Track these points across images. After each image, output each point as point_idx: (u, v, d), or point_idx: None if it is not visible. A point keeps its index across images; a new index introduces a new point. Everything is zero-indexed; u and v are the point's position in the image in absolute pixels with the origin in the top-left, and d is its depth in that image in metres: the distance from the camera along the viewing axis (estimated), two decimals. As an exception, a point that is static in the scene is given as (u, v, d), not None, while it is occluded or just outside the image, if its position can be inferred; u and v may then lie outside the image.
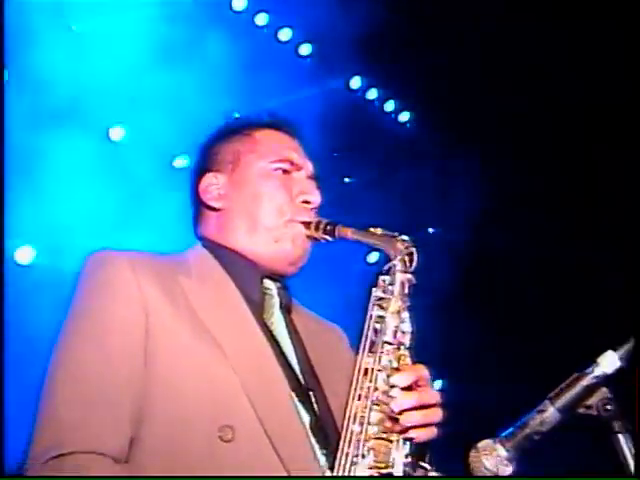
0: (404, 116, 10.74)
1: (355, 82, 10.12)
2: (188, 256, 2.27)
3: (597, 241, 10.17)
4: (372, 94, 10.34)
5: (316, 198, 2.31)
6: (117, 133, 7.80)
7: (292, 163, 2.34)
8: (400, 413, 1.90)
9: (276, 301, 2.26)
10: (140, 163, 7.77)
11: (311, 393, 2.12)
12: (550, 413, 1.85)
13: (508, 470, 1.84)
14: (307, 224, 2.24)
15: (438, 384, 11.12)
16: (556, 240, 10.44)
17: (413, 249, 2.07)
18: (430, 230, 11.72)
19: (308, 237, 2.25)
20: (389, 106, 10.58)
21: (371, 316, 2.04)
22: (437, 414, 1.96)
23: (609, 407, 1.82)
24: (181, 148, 8.03)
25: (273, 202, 2.26)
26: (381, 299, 2.04)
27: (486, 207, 10.54)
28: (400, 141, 10.72)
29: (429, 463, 1.95)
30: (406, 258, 2.06)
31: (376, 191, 10.59)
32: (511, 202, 10.38)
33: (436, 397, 1.97)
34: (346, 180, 10.30)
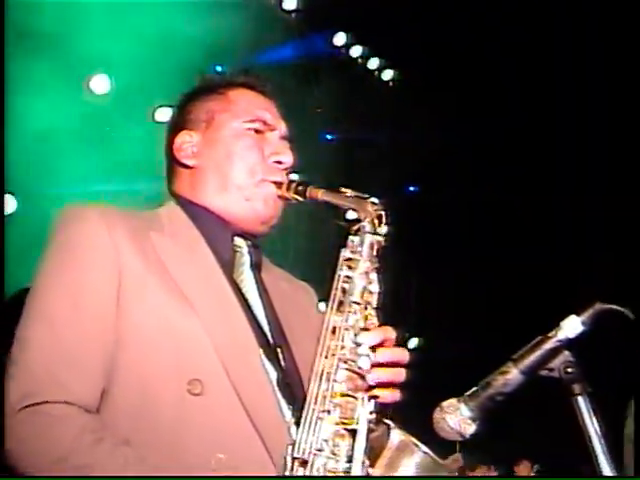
0: (387, 74, 10.75)
1: (339, 38, 10.08)
2: (161, 212, 2.28)
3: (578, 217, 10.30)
4: (356, 51, 10.32)
5: (288, 158, 2.31)
6: (99, 83, 7.78)
7: (265, 123, 2.33)
8: (366, 371, 1.93)
9: (246, 259, 2.27)
10: (121, 114, 7.76)
11: (278, 350, 2.15)
12: (513, 375, 1.89)
13: (471, 429, 1.88)
14: (279, 184, 2.25)
15: (414, 342, 11.26)
16: (534, 206, 10.52)
17: (383, 211, 2.09)
18: (411, 188, 11.78)
19: (279, 197, 2.26)
20: (373, 63, 10.57)
21: (339, 276, 2.06)
22: (401, 374, 1.99)
23: (570, 370, 1.86)
24: (163, 100, 8.03)
25: (245, 161, 2.27)
26: (350, 259, 2.06)
27: (466, 166, 10.58)
28: (383, 99, 10.72)
29: (391, 419, 1.98)
30: (376, 220, 2.07)
31: (357, 148, 10.62)
32: (493, 160, 10.42)
33: (401, 358, 2.00)
34: (328, 137, 10.32)
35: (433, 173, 10.75)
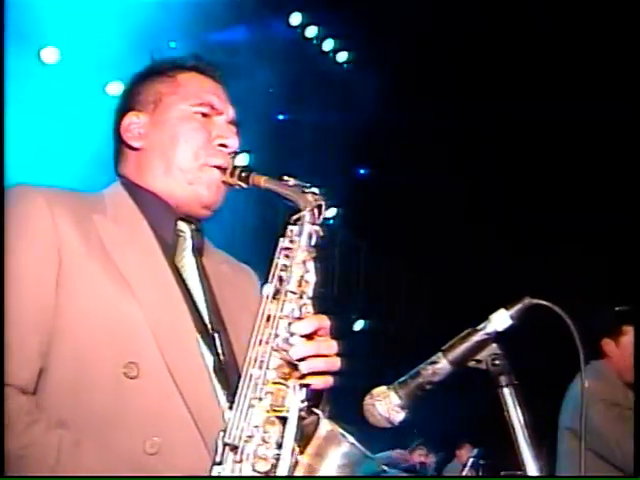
0: (342, 56, 10.75)
1: (295, 18, 10.05)
2: (105, 194, 2.28)
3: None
4: (311, 32, 10.31)
5: (233, 142, 2.32)
6: (50, 54, 7.69)
7: (213, 107, 2.34)
8: (298, 360, 1.95)
9: (189, 244, 2.29)
10: (72, 87, 7.68)
11: (216, 335, 2.17)
12: (442, 365, 1.94)
13: (399, 416, 1.93)
14: (223, 169, 2.26)
15: (360, 324, 11.34)
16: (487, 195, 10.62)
17: (322, 202, 2.10)
18: (361, 171, 11.83)
19: (223, 182, 2.27)
20: (328, 45, 10.57)
21: (277, 264, 2.08)
22: (335, 363, 2.02)
23: (497, 362, 1.92)
24: (115, 73, 7.97)
25: (189, 144, 2.27)
26: (288, 249, 2.08)
27: (417, 149, 10.63)
28: (336, 81, 10.73)
29: (322, 410, 2.01)
30: (315, 210, 2.09)
31: (309, 129, 10.62)
32: (444, 143, 10.47)
33: (334, 347, 2.03)
34: (280, 117, 10.32)
35: (384, 156, 10.80)
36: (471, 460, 8.84)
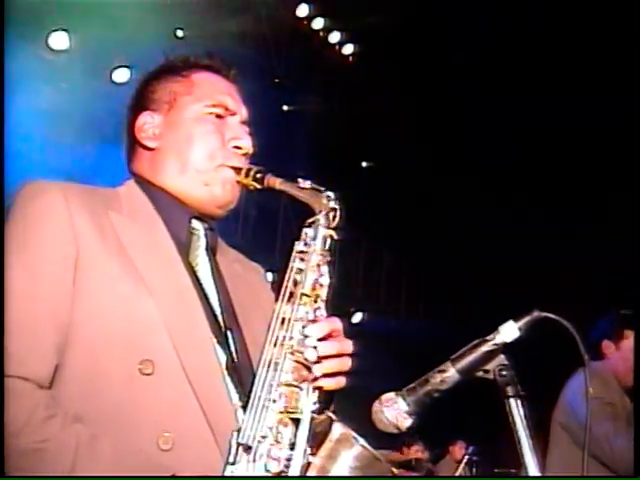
0: (348, 48, 10.76)
1: (302, 10, 10.06)
2: (120, 191, 2.30)
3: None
4: (318, 23, 10.31)
5: (248, 144, 2.34)
6: (59, 40, 7.68)
7: (226, 108, 2.36)
8: (312, 363, 1.99)
9: (203, 242, 2.31)
10: (79, 73, 7.69)
11: (229, 333, 2.19)
12: (451, 373, 1.98)
13: (407, 423, 1.97)
14: (237, 170, 2.28)
15: (358, 317, 11.37)
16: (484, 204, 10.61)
17: (337, 206, 2.12)
18: (364, 164, 11.83)
19: (238, 183, 2.29)
20: (334, 37, 10.57)
21: (292, 268, 2.11)
22: (346, 363, 2.05)
23: (505, 373, 1.95)
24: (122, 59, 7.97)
25: (205, 146, 2.30)
26: (303, 252, 2.11)
27: (422, 142, 10.63)
28: (342, 73, 10.73)
29: (334, 411, 2.05)
30: (330, 214, 2.12)
31: (313, 120, 10.62)
32: (450, 138, 10.47)
33: (347, 348, 2.06)
34: (285, 108, 10.32)
35: (388, 148, 10.80)
36: (466, 457, 8.89)
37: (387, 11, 9.33)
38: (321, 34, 10.29)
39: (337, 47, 10.53)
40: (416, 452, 9.89)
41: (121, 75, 8.13)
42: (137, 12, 7.60)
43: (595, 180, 9.38)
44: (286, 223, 9.43)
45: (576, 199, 9.85)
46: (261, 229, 9.16)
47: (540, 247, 10.42)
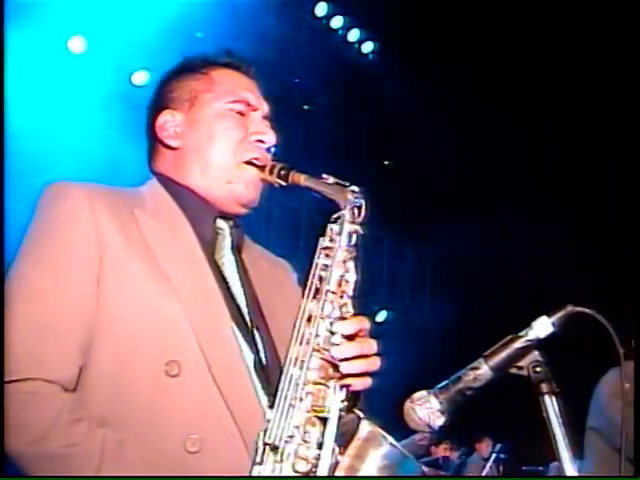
0: (367, 46, 10.73)
1: (320, 9, 10.04)
2: (143, 191, 2.29)
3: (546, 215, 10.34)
4: (337, 22, 10.29)
5: (270, 137, 2.32)
6: (77, 44, 7.69)
7: (248, 104, 2.34)
8: (340, 360, 1.95)
9: (228, 241, 2.28)
10: (99, 76, 7.70)
11: (256, 333, 2.16)
12: (483, 371, 1.94)
13: (440, 421, 1.93)
14: (261, 167, 2.26)
15: (383, 315, 11.33)
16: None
17: (362, 201, 2.09)
18: (385, 162, 11.79)
19: (262, 180, 2.27)
20: (353, 35, 10.55)
21: (317, 264, 2.07)
22: (375, 363, 2.01)
23: (538, 369, 1.91)
24: (141, 62, 7.97)
25: (227, 142, 2.27)
26: (328, 248, 2.07)
27: (444, 140, 10.60)
28: (362, 71, 10.71)
29: (361, 410, 2.02)
30: (355, 209, 2.08)
31: (334, 119, 10.61)
32: (472, 138, 10.44)
33: (374, 347, 2.02)
34: (305, 107, 10.30)
35: (409, 147, 10.77)
36: (493, 455, 8.86)
37: (405, 8, 9.30)
38: (340, 32, 10.25)
39: (356, 45, 10.50)
40: (444, 450, 9.87)
41: (140, 78, 8.14)
42: (156, 15, 7.60)
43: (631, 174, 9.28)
44: (309, 222, 9.40)
45: (612, 192, 9.77)
46: (283, 228, 9.14)
47: (569, 241, 10.36)
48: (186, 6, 7.80)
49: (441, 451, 9.79)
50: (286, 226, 9.26)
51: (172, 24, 7.56)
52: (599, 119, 9.34)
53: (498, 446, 9.03)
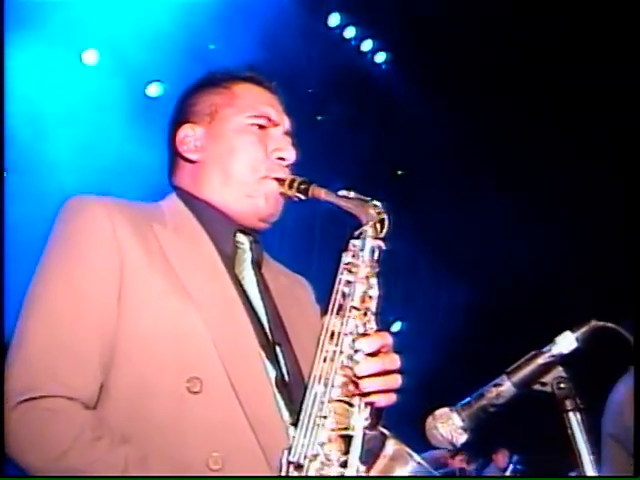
0: (380, 57, 10.74)
1: (334, 19, 10.05)
2: (163, 205, 2.28)
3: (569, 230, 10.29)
4: (350, 32, 10.30)
5: (291, 155, 2.31)
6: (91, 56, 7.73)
7: (269, 119, 2.33)
8: (363, 378, 1.94)
9: (248, 256, 2.28)
10: (113, 88, 7.72)
11: (278, 348, 2.15)
12: (506, 387, 1.93)
13: (462, 439, 1.93)
14: (281, 181, 2.25)
15: (397, 326, 11.30)
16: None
17: (385, 215, 2.08)
18: (398, 172, 11.79)
19: (281, 194, 2.26)
20: (366, 45, 10.56)
21: (340, 280, 2.06)
22: (397, 380, 2.00)
23: (563, 385, 1.90)
24: (155, 74, 7.99)
25: (248, 157, 2.26)
26: (350, 264, 2.06)
27: (457, 151, 10.59)
28: (374, 81, 10.72)
29: (384, 427, 2.01)
30: (377, 224, 2.07)
31: (347, 129, 10.61)
32: (483, 147, 10.42)
33: (397, 363, 2.01)
34: (319, 118, 10.30)
35: (422, 156, 10.77)
36: (510, 466, 8.83)
37: (418, 18, 9.32)
38: (353, 43, 10.27)
39: (369, 55, 10.51)
40: (460, 462, 9.82)
41: (154, 90, 8.17)
42: (169, 26, 7.62)
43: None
44: (323, 234, 9.39)
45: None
46: (298, 241, 9.13)
47: (583, 255, 10.31)
48: (199, 18, 7.82)
49: (457, 463, 9.74)
50: (299, 237, 9.24)
51: (185, 36, 7.58)
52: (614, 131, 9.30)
53: (515, 457, 9.00)
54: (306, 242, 9.59)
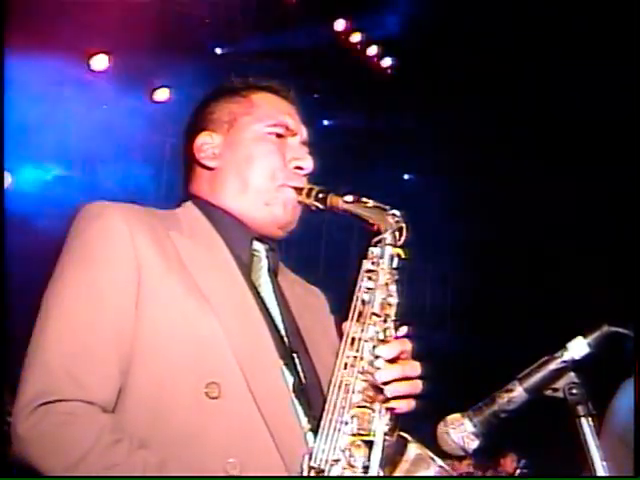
0: (386, 61, 10.75)
1: (339, 24, 10.07)
2: (179, 213, 2.30)
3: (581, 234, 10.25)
4: (356, 37, 10.32)
5: (309, 164, 2.33)
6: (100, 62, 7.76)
7: (287, 128, 2.36)
8: (384, 384, 1.97)
9: (264, 264, 2.29)
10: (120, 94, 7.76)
11: (295, 355, 2.16)
12: (518, 393, 1.94)
13: (473, 444, 1.93)
14: (299, 190, 2.27)
15: (404, 329, 11.28)
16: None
17: (403, 224, 2.12)
18: (405, 176, 11.79)
19: (299, 202, 2.28)
20: (372, 50, 10.57)
21: (360, 287, 2.09)
22: (417, 386, 2.03)
23: (575, 391, 1.91)
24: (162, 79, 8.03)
25: (266, 166, 2.28)
26: (370, 271, 2.09)
27: (464, 155, 10.56)
28: (381, 86, 10.71)
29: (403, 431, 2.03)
30: (396, 232, 2.11)
31: (354, 134, 10.61)
32: (490, 152, 10.39)
33: (418, 369, 2.04)
34: (325, 122, 10.32)
35: (429, 161, 10.76)
36: (518, 471, 8.79)
37: (424, 23, 9.33)
38: (359, 47, 10.29)
39: (375, 60, 10.53)
40: (467, 466, 9.79)
41: (161, 94, 8.21)
42: (176, 32, 7.66)
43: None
44: (329, 240, 9.40)
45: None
46: (304, 246, 9.14)
47: (597, 257, 10.30)
48: (206, 22, 7.86)
49: (464, 467, 9.71)
50: (307, 245, 9.26)
51: (192, 41, 7.61)
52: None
53: (523, 461, 8.97)
54: (313, 250, 9.59)
